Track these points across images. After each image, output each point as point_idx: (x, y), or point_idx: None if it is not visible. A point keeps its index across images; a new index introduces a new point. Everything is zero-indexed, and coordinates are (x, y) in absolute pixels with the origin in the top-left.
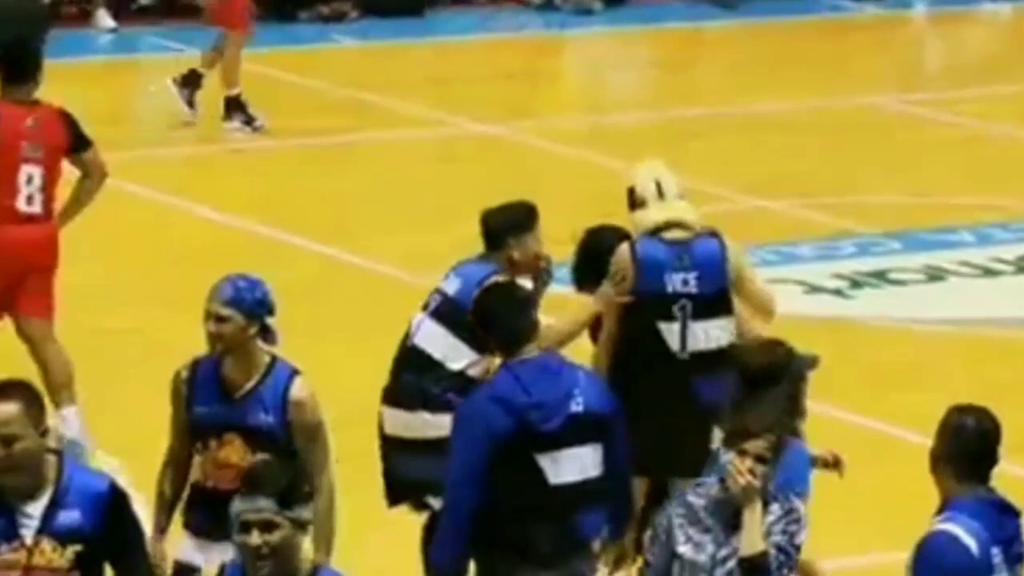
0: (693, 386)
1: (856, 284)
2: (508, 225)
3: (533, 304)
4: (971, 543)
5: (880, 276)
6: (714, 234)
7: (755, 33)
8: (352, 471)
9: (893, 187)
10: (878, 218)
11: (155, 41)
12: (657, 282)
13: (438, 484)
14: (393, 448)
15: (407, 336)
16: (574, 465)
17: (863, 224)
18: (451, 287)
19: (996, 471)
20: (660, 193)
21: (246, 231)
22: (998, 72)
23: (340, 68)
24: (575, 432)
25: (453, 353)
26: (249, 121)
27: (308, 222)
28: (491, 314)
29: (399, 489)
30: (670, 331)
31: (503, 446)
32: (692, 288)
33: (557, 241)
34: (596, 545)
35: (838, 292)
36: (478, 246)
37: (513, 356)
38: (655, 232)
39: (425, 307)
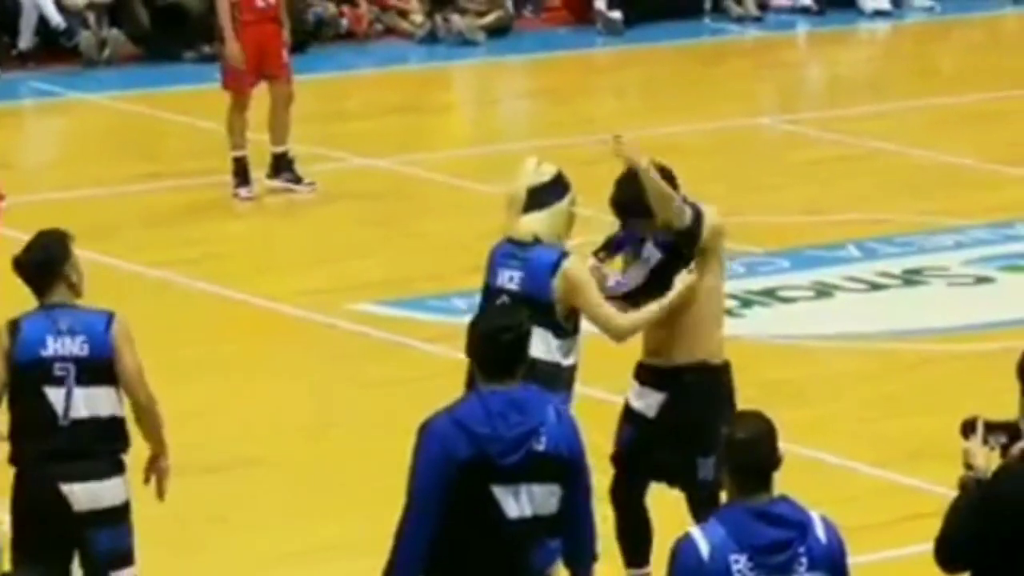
0: None
1: (746, 303)
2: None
3: (527, 337)
4: (704, 548)
5: (769, 294)
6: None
7: (640, 59)
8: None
9: (779, 206)
10: (765, 237)
11: (36, 86)
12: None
13: None
14: None
15: None
16: (531, 501)
17: (751, 243)
18: (517, 283)
19: (880, 477)
20: (510, 205)
21: (134, 273)
22: (878, 90)
23: (225, 107)
24: (534, 470)
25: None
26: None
27: (197, 263)
28: (486, 338)
29: None
30: None
31: (461, 471)
32: (515, 285)
33: (450, 273)
34: (551, 571)
35: (728, 311)
36: (372, 280)
37: (489, 383)
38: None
39: None
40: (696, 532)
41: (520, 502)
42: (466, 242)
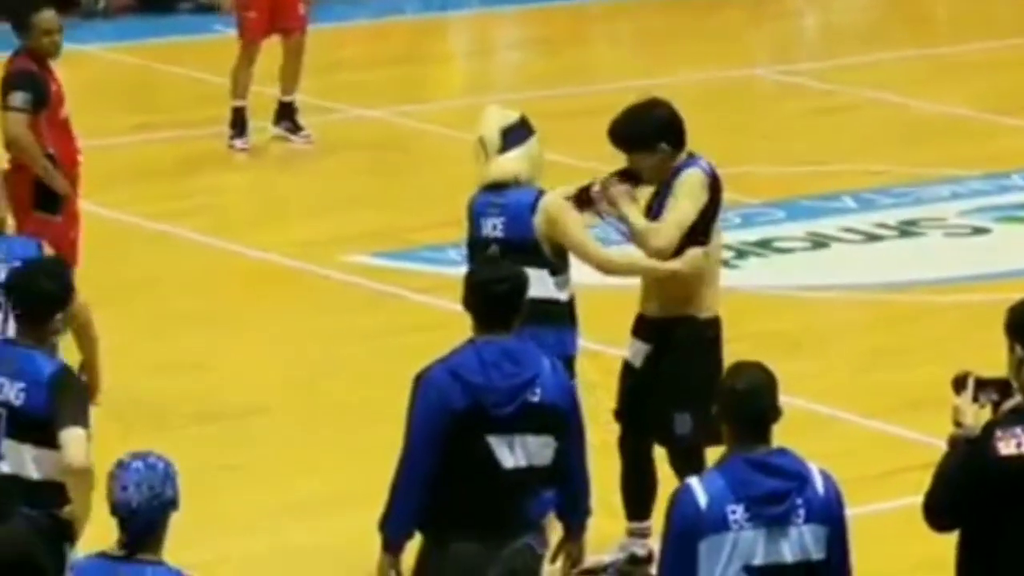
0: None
1: (742, 254)
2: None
3: (523, 289)
4: (702, 497)
5: (765, 245)
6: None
7: (634, 9)
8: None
9: (775, 157)
10: (761, 188)
11: None
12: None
13: None
14: None
15: None
16: (526, 452)
17: (747, 194)
18: (501, 230)
19: (875, 429)
20: (483, 150)
21: (131, 224)
22: (873, 41)
23: (221, 58)
24: (529, 421)
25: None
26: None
27: (193, 214)
28: (480, 288)
29: None
30: None
31: (457, 421)
32: (499, 233)
33: (446, 223)
34: (545, 522)
35: (724, 262)
36: (368, 231)
37: (484, 334)
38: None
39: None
40: (695, 482)
41: (515, 452)
42: (461, 193)
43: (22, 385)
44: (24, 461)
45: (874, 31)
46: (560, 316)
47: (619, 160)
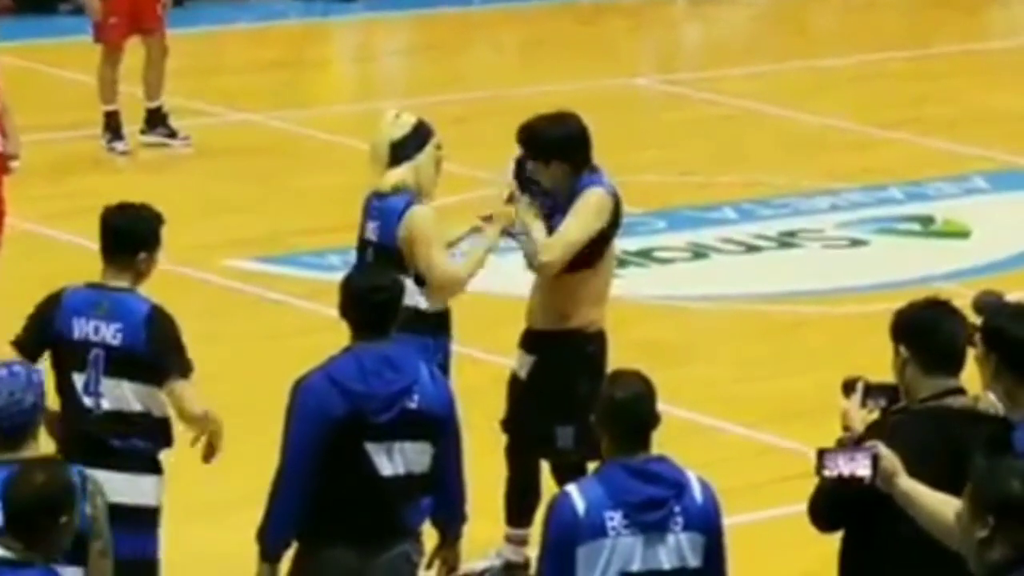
0: None
1: (622, 263)
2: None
3: (400, 296)
4: (580, 504)
5: (646, 255)
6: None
7: (519, 17)
8: None
9: (657, 166)
10: (643, 197)
11: None
12: None
13: None
14: None
15: None
16: (404, 459)
17: (628, 204)
18: (376, 233)
19: (754, 439)
20: (373, 159)
21: (8, 226)
22: (755, 52)
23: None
24: (407, 428)
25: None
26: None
27: (71, 217)
28: (358, 296)
29: None
30: None
31: (336, 428)
32: (374, 236)
33: (327, 229)
34: (420, 529)
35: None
36: (246, 236)
37: (363, 341)
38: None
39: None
40: (573, 488)
41: (394, 460)
42: (341, 198)
43: (119, 326)
44: (125, 396)
45: (756, 42)
46: (423, 324)
47: (494, 167)
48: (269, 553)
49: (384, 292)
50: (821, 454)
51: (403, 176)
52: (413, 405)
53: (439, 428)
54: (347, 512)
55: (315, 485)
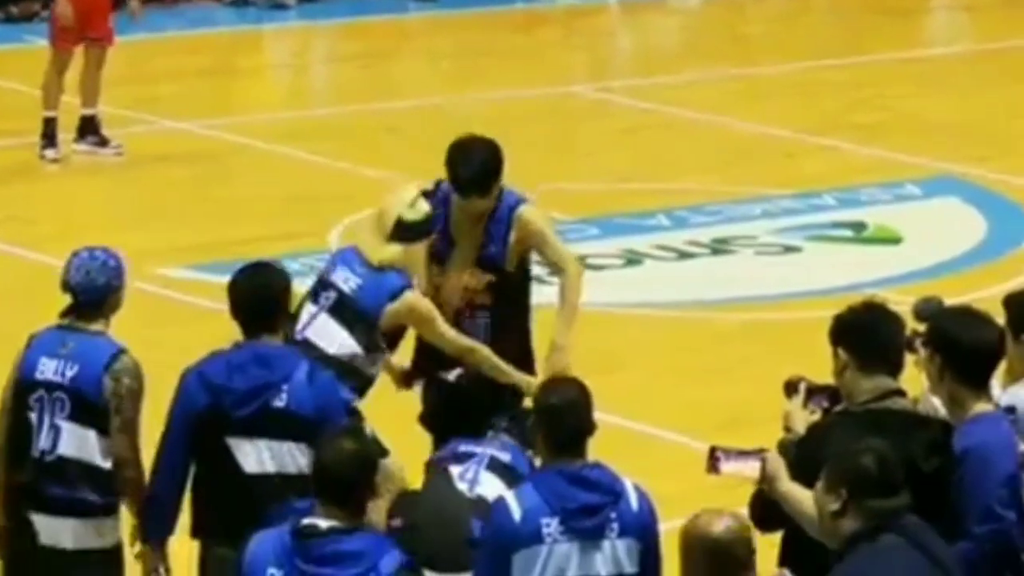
0: None
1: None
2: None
3: (279, 293)
4: (516, 510)
5: (579, 262)
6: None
7: (452, 25)
8: None
9: (590, 174)
10: (575, 205)
11: None
12: None
13: None
14: None
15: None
16: (272, 457)
17: (561, 211)
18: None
19: (689, 446)
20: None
21: None
22: (689, 60)
23: (32, 68)
24: (269, 425)
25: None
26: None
27: (2, 225)
28: (237, 297)
29: None
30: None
31: (198, 421)
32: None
33: (260, 238)
34: None
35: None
36: (180, 244)
37: (249, 338)
38: None
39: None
40: (509, 495)
41: (260, 457)
42: (274, 206)
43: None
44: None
45: (689, 50)
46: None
47: (434, 173)
48: (151, 540)
49: (265, 290)
50: (713, 452)
51: (393, 256)
52: (279, 403)
53: (307, 428)
54: (220, 508)
55: (193, 478)
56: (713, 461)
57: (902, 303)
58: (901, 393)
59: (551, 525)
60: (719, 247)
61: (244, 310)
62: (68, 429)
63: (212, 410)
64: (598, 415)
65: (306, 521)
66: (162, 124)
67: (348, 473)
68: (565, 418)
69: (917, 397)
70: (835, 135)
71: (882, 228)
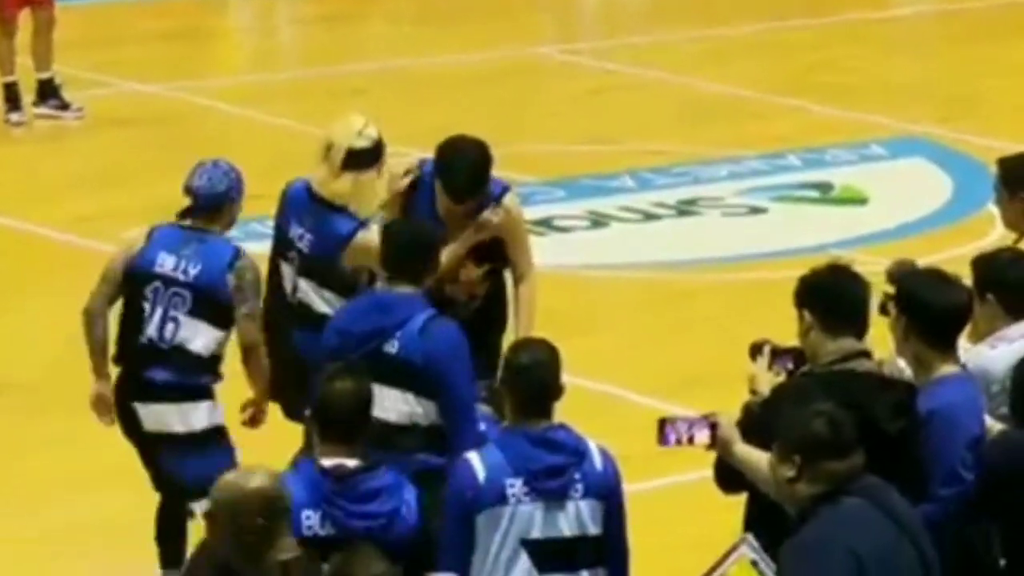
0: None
1: None
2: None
3: (434, 251)
4: (480, 471)
5: (545, 224)
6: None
7: None
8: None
9: (555, 135)
10: (541, 166)
11: None
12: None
13: None
14: None
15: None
16: (381, 402)
17: (526, 173)
18: (307, 245)
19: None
20: (326, 157)
21: None
22: (655, 20)
23: None
24: (381, 371)
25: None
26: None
27: None
28: (397, 239)
29: None
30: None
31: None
32: (304, 246)
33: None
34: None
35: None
36: (143, 206)
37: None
38: None
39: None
40: (473, 456)
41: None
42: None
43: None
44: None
45: (656, 11)
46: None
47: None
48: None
49: (424, 238)
50: (662, 424)
51: (347, 186)
52: (392, 349)
53: (417, 376)
54: None
55: None
56: (663, 433)
57: (868, 263)
58: (866, 354)
59: (515, 486)
60: (685, 208)
61: (394, 256)
62: (185, 322)
63: (338, 352)
64: (564, 377)
65: (328, 462)
66: (126, 86)
67: (350, 411)
68: (532, 377)
69: (883, 359)
70: (801, 96)
71: (848, 188)
